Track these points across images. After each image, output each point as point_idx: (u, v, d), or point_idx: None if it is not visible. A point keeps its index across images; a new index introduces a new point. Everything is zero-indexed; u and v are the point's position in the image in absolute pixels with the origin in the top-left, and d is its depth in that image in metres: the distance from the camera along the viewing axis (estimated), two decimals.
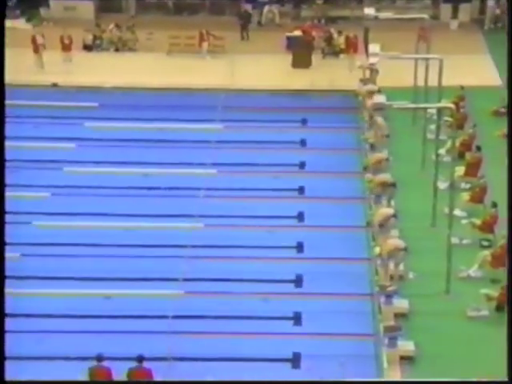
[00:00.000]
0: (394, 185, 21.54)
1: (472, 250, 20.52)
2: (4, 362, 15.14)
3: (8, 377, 16.25)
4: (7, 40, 31.46)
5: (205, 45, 32.87)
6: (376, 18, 27.78)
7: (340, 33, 33.09)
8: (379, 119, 24.01)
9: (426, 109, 24.20)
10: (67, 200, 23.29)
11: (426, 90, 24.71)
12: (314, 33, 33.02)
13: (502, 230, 20.53)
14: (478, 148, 24.20)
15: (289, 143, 26.77)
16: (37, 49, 31.40)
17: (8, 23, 34.29)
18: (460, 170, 23.28)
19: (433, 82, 23.60)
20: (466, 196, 22.63)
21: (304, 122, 28.36)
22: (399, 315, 18.30)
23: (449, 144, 23.58)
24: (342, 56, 32.70)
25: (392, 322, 17.69)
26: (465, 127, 25.96)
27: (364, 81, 27.08)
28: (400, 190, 21.87)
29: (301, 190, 24.34)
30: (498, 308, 18.66)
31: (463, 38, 33.82)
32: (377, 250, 19.82)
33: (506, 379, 15.13)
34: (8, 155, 24.33)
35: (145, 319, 18.83)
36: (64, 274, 20.12)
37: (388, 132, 24.53)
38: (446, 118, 24.62)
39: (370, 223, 21.09)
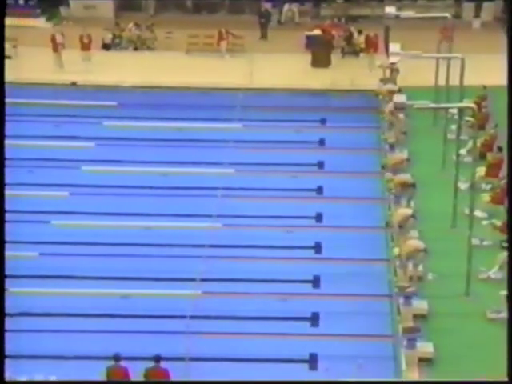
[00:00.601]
0: (413, 185, 21.37)
1: (492, 251, 20.30)
2: (4, 362, 15.05)
3: (27, 375, 16.29)
4: (27, 39, 31.76)
5: (224, 44, 32.80)
6: (397, 16, 27.56)
7: (360, 32, 32.91)
8: (401, 115, 23.86)
9: (447, 109, 23.98)
10: (86, 199, 23.26)
11: (448, 90, 24.51)
12: (333, 32, 32.87)
13: None
14: (500, 149, 23.95)
15: (307, 143, 26.64)
16: (56, 48, 31.44)
17: (28, 22, 34.53)
18: (481, 170, 23.06)
19: (454, 81, 23.38)
20: (486, 197, 22.42)
21: (323, 121, 28.22)
22: (418, 316, 18.13)
23: (470, 144, 23.40)
24: (361, 55, 32.53)
25: (411, 324, 17.53)
26: (486, 127, 25.73)
27: (384, 80, 26.92)
28: (420, 190, 21.70)
29: (319, 190, 24.21)
30: None
31: (486, 37, 33.52)
32: (396, 250, 19.66)
33: (506, 379, 15.00)
34: (26, 154, 24.62)
35: (162, 319, 18.77)
36: (82, 273, 20.07)
37: (405, 129, 24.34)
38: (468, 118, 24.38)
39: (389, 224, 20.93)
